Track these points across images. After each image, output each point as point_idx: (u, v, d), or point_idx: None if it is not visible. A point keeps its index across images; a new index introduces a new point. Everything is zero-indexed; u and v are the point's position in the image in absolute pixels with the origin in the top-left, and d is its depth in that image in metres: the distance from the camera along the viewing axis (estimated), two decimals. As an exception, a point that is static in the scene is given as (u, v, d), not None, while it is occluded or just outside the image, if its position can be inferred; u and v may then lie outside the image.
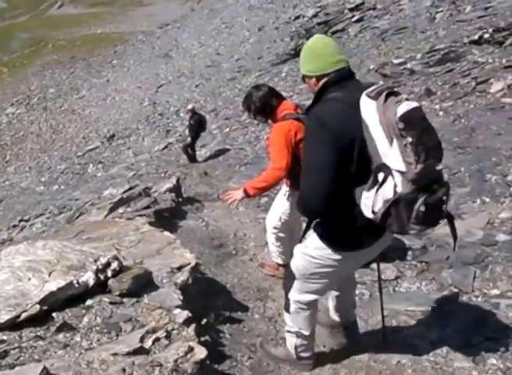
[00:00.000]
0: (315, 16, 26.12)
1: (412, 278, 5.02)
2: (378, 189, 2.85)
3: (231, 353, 3.89)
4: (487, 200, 6.31)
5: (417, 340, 3.74)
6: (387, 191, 2.82)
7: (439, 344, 3.60)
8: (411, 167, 2.75)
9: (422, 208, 2.79)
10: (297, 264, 3.49)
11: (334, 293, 4.08)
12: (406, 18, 20.16)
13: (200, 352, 3.04)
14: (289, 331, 3.81)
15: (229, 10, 45.78)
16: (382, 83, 15.42)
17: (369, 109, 2.84)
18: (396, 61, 15.49)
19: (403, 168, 2.76)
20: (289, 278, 3.61)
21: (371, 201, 2.88)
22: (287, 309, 3.70)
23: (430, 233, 5.86)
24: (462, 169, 7.52)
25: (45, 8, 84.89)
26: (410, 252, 5.50)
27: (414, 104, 2.85)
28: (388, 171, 2.81)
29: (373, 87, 2.92)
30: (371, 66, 17.28)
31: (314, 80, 3.22)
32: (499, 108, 9.83)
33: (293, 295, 3.59)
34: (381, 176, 2.84)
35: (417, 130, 2.77)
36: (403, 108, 2.77)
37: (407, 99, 2.92)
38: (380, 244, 3.34)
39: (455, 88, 12.18)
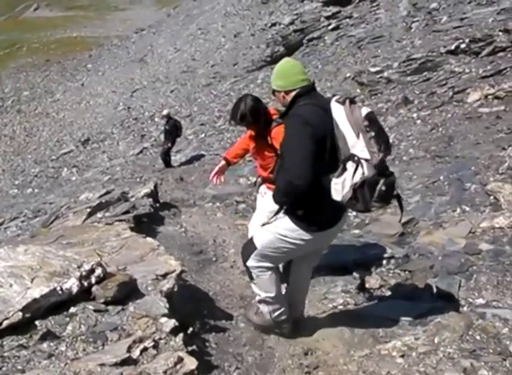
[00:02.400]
0: (291, 23, 26.29)
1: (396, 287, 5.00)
2: (347, 175, 3.47)
3: (218, 363, 3.80)
4: (467, 209, 6.35)
5: (406, 350, 3.70)
6: (355, 176, 3.45)
7: (428, 355, 3.56)
8: (375, 155, 3.48)
9: (383, 188, 3.48)
10: (263, 239, 3.94)
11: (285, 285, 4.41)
12: (382, 27, 20.35)
13: (190, 363, 2.96)
14: (259, 301, 4.24)
15: (204, 16, 45.71)
16: (358, 91, 15.53)
17: (339, 111, 3.57)
18: (372, 69, 15.56)
19: (368, 156, 3.46)
20: (248, 249, 4.04)
21: (340, 186, 3.49)
22: (250, 277, 4.13)
23: (412, 242, 5.87)
24: (441, 177, 7.57)
25: (21, 11, 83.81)
26: (393, 261, 5.49)
27: (370, 109, 3.67)
28: (356, 159, 3.46)
29: (338, 96, 3.70)
30: (348, 74, 17.37)
31: (282, 93, 3.86)
32: (476, 118, 9.93)
33: (252, 262, 4.02)
34: (349, 164, 3.48)
35: (377, 127, 3.57)
36: (365, 110, 3.61)
37: (363, 106, 3.75)
38: (339, 226, 4.01)
39: (432, 97, 12.29)
